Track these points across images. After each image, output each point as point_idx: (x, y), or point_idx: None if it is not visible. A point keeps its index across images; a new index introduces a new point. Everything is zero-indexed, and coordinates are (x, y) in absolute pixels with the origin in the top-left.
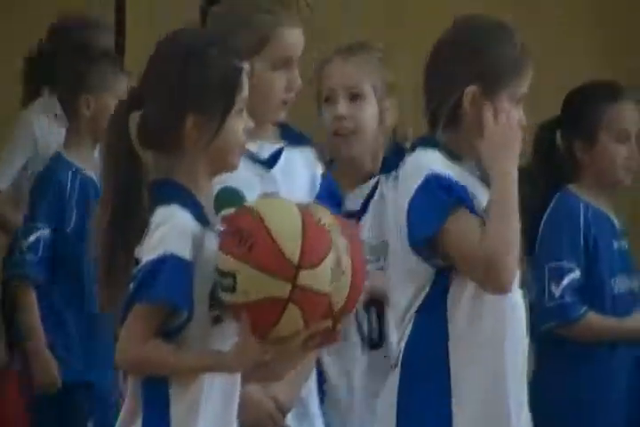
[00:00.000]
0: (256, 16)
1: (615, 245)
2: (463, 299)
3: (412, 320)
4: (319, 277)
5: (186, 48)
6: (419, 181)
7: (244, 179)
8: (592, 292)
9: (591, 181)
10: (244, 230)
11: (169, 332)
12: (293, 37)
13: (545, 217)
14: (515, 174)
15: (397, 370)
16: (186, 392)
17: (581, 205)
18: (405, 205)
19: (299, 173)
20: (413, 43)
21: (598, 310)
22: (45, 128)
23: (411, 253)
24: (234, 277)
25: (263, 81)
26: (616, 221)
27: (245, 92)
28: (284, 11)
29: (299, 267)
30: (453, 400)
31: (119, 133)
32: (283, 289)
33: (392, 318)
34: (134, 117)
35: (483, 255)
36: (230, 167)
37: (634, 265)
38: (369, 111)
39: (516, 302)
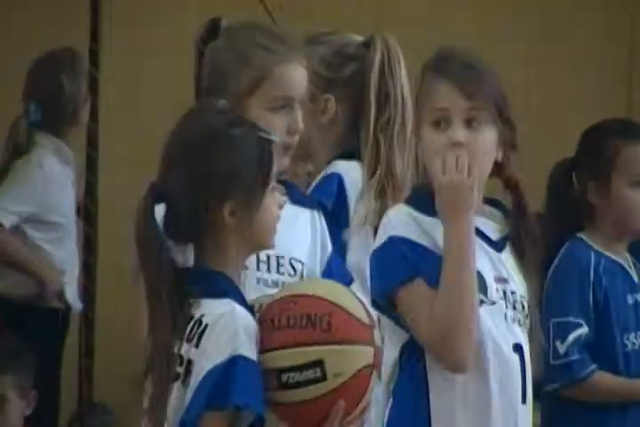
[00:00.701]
0: (254, 53)
1: (630, 299)
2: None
3: (395, 381)
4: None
5: (208, 132)
6: (383, 239)
7: None
8: (602, 349)
9: (605, 228)
10: (312, 315)
11: None
12: (292, 76)
13: (552, 268)
14: (466, 232)
15: None
16: None
17: (592, 255)
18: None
19: (301, 228)
20: None
21: (609, 369)
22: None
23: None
24: (321, 364)
25: (261, 123)
26: (634, 273)
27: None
28: (284, 47)
29: (372, 326)
30: None
31: (149, 226)
32: (370, 354)
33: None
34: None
35: (430, 337)
36: (268, 247)
37: None
38: None
39: (508, 361)
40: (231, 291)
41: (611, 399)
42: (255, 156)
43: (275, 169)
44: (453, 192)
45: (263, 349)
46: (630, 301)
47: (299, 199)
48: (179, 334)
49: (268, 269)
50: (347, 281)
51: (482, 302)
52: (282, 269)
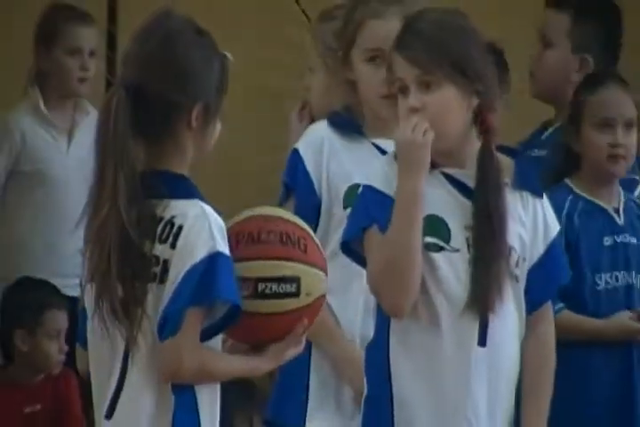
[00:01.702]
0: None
1: (607, 240)
2: None
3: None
4: None
5: (186, 39)
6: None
7: None
8: (571, 289)
9: (586, 173)
10: (292, 235)
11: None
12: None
13: None
14: (414, 192)
15: None
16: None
17: (569, 199)
18: None
19: None
20: None
21: (578, 308)
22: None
23: None
24: (298, 280)
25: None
26: (618, 217)
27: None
28: (378, 4)
29: (326, 260)
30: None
31: (117, 118)
32: (326, 284)
33: None
34: (129, 103)
35: (370, 279)
36: (204, 155)
37: None
38: None
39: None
40: (197, 192)
41: (575, 338)
42: (222, 66)
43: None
44: (407, 151)
45: (242, 257)
46: (608, 242)
47: None
48: (149, 234)
49: None
50: None
51: (442, 248)
52: None
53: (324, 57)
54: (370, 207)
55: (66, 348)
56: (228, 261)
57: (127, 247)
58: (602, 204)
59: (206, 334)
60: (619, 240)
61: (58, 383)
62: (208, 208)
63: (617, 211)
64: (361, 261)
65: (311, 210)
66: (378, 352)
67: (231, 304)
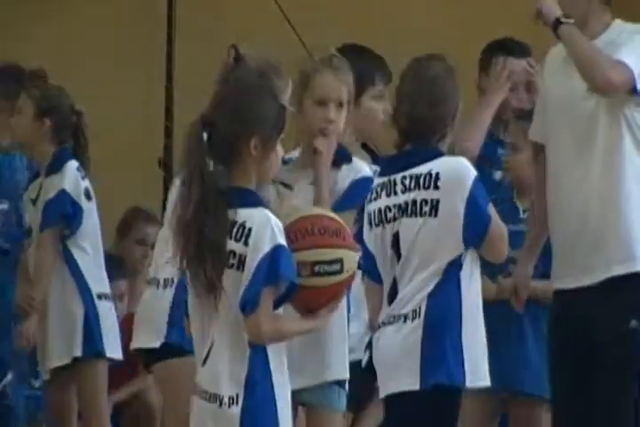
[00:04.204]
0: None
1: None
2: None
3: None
4: None
5: (250, 87)
6: None
7: None
8: None
9: None
10: (331, 228)
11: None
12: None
13: None
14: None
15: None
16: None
17: None
18: None
19: None
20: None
21: None
22: None
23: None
24: (341, 261)
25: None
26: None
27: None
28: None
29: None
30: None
31: (195, 147)
32: (357, 259)
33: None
34: (205, 135)
35: None
36: (268, 182)
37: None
38: None
39: None
40: (261, 201)
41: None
42: (276, 112)
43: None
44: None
45: (301, 247)
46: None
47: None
48: (224, 233)
49: None
50: None
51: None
52: None
53: None
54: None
55: None
56: (287, 250)
57: (203, 241)
58: None
59: (274, 306)
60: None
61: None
62: (269, 213)
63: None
64: None
65: None
66: None
67: (290, 282)
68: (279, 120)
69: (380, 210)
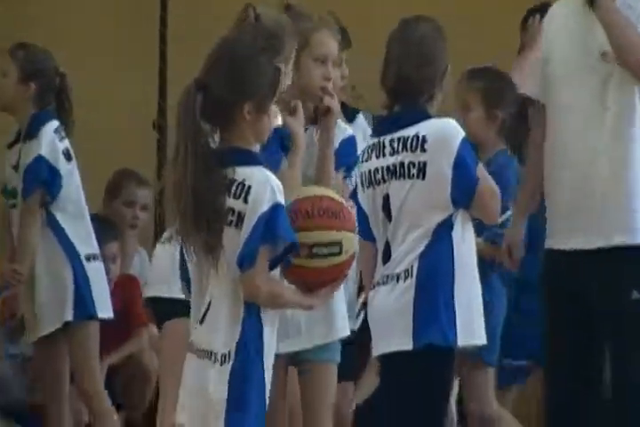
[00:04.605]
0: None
1: None
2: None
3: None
4: None
5: (245, 54)
6: None
7: None
8: None
9: None
10: (331, 209)
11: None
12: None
13: None
14: None
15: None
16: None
17: None
18: None
19: None
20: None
21: None
22: None
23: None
24: (340, 243)
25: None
26: None
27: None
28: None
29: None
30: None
31: (189, 110)
32: (357, 241)
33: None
34: (199, 99)
35: None
36: (262, 142)
37: None
38: None
39: None
40: (261, 161)
41: None
42: (270, 76)
43: (281, 89)
44: None
45: (301, 228)
46: None
47: None
48: (222, 191)
49: None
50: None
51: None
52: None
53: None
54: None
55: None
56: (284, 208)
57: (198, 202)
58: None
59: (271, 265)
60: None
61: (124, 287)
62: (269, 172)
63: None
64: None
65: None
66: None
67: (289, 243)
68: (274, 83)
69: (370, 171)
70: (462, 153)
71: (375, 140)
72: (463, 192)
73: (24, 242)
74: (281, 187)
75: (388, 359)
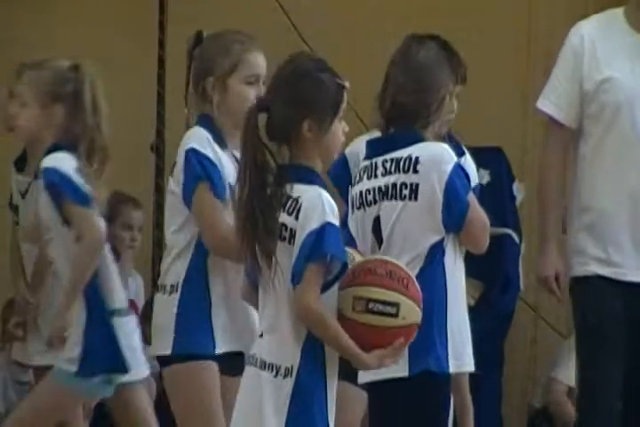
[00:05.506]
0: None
1: None
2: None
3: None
4: None
5: (304, 72)
6: None
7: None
8: None
9: None
10: (396, 274)
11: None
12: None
13: None
14: None
15: None
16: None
17: None
18: None
19: None
20: None
21: None
22: None
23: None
24: (397, 305)
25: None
26: None
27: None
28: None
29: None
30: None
31: (248, 129)
32: (420, 315)
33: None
34: (262, 117)
35: None
36: (330, 162)
37: None
38: None
39: None
40: (318, 180)
41: None
42: (331, 93)
43: (344, 104)
44: None
45: (361, 283)
46: None
47: None
48: (278, 207)
49: None
50: None
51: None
52: None
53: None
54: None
55: None
56: (336, 228)
57: (253, 216)
58: None
59: (325, 285)
60: None
61: None
62: (324, 192)
63: None
64: None
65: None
66: None
67: (341, 263)
68: (335, 100)
69: (361, 193)
70: (454, 178)
71: (367, 162)
72: (453, 218)
73: (39, 275)
74: (335, 207)
75: (381, 386)
